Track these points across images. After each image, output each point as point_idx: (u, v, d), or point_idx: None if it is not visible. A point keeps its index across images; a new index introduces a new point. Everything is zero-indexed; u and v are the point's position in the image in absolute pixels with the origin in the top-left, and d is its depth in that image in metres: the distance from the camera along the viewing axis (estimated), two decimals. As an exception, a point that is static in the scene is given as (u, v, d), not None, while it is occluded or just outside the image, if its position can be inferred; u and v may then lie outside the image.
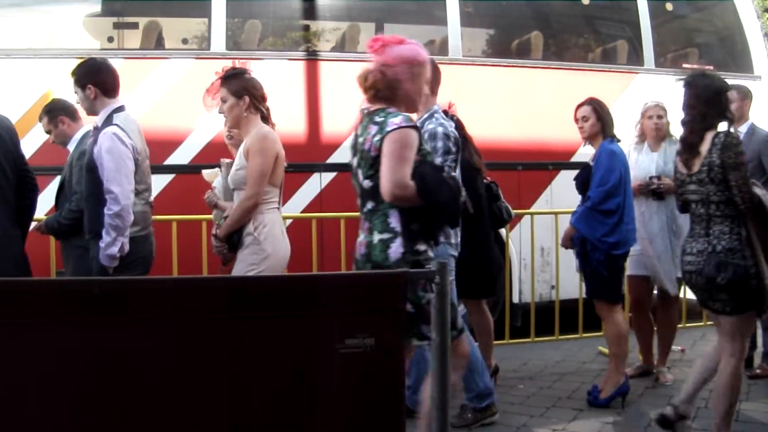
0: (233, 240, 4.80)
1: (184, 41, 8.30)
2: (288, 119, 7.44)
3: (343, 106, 7.86)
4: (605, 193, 5.87)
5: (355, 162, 4.06)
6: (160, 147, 7.20)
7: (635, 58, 9.53)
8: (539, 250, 8.22)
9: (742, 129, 6.78)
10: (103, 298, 2.50)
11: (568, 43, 9.91)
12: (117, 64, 7.03)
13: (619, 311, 6.05)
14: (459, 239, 5.28)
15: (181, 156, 7.29)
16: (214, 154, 7.04)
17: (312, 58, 7.85)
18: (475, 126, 8.15)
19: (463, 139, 5.88)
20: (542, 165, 8.57)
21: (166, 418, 2.57)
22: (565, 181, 7.99)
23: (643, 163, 6.66)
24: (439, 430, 2.86)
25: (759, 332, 6.86)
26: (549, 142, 8.50)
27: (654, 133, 6.65)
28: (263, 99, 4.88)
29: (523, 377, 6.69)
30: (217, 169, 5.65)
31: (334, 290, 2.78)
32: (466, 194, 5.58)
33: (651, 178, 6.52)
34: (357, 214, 4.11)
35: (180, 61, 7.30)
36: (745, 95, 6.91)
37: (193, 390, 2.60)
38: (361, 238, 3.99)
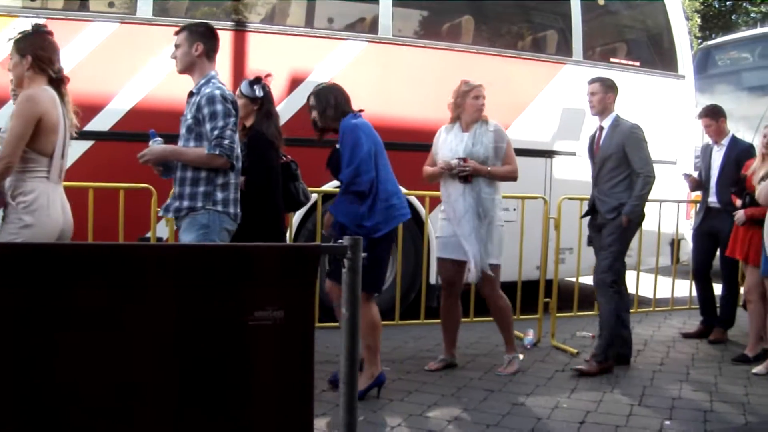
0: None
1: (110, 5, 8.13)
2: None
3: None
4: (354, 172, 5.54)
5: None
6: (80, 112, 7.07)
7: (564, 48, 9.62)
8: (458, 232, 8.25)
9: (607, 122, 6.84)
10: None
11: (499, 30, 9.96)
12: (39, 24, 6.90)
13: (374, 302, 5.79)
14: (238, 210, 5.10)
15: (102, 122, 7.14)
16: (135, 120, 6.95)
17: (240, 29, 7.76)
18: (401, 106, 8.20)
19: (266, 112, 5.86)
20: (466, 148, 8.58)
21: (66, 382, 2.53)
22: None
23: (452, 144, 6.45)
24: (346, 405, 2.85)
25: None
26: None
27: (477, 114, 6.42)
28: (50, 61, 4.63)
29: (436, 357, 6.72)
30: None
31: (243, 262, 2.75)
32: (248, 167, 5.53)
33: (459, 159, 6.29)
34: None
35: (104, 25, 7.15)
36: (609, 88, 6.89)
37: (94, 362, 2.55)
38: None
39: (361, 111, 5.83)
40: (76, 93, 6.84)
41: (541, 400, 5.78)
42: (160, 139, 5.08)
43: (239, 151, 5.08)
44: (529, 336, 7.54)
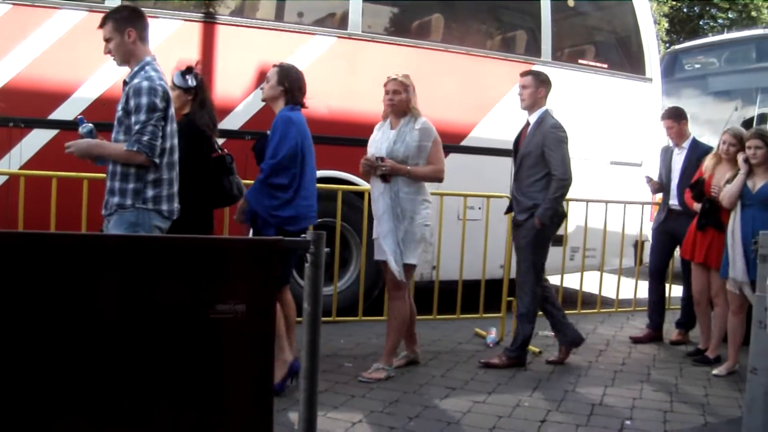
0: None
1: (78, -7, 8.08)
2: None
3: (236, 71, 7.78)
4: (276, 166, 5.53)
5: None
6: (45, 101, 7.00)
7: (533, 49, 9.65)
8: (424, 230, 8.28)
9: (533, 117, 6.75)
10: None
11: (469, 28, 9.96)
12: (4, 9, 6.83)
13: (287, 291, 5.77)
14: (174, 207, 4.95)
15: (67, 111, 7.06)
16: (101, 110, 6.88)
17: (209, 21, 7.71)
18: (369, 102, 8.17)
19: (200, 101, 5.70)
20: (432, 146, 8.59)
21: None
22: (456, 164, 8.05)
23: (379, 142, 6.31)
24: (307, 400, 2.85)
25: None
26: (440, 124, 8.52)
27: (387, 109, 6.29)
28: None
29: (398, 354, 6.72)
30: None
31: (206, 254, 2.74)
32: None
33: (377, 158, 6.13)
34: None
35: (72, 12, 7.07)
36: (542, 82, 6.77)
37: (56, 351, 2.53)
38: None
39: (304, 107, 5.79)
40: (43, 81, 6.87)
41: (502, 399, 5.79)
42: (89, 125, 4.91)
43: (168, 144, 4.88)
44: (492, 334, 7.55)
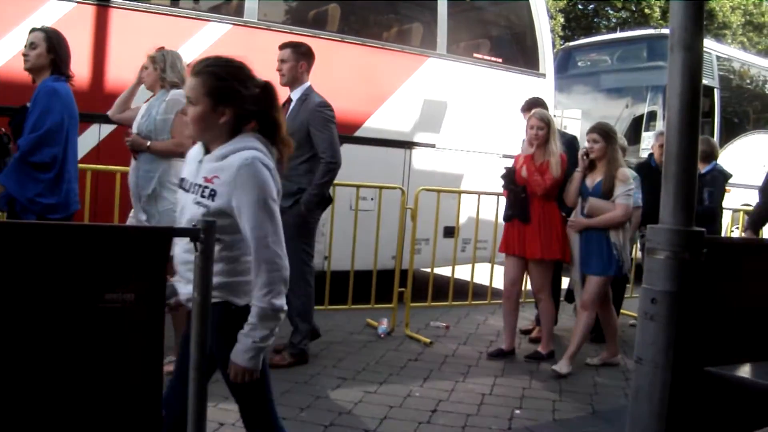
0: None
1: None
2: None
3: (130, 57, 7.64)
4: (38, 140, 4.99)
5: None
6: None
7: (429, 42, 9.72)
8: (315, 220, 8.28)
9: (296, 94, 6.36)
10: None
11: (365, 19, 9.98)
12: None
13: None
14: None
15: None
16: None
17: (102, 4, 7.53)
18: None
19: None
20: (327, 137, 8.58)
21: None
22: (349, 155, 8.04)
23: (139, 116, 5.85)
24: (196, 391, 2.82)
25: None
26: (335, 115, 8.54)
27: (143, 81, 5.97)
28: None
29: (288, 344, 6.70)
30: None
31: (93, 242, 2.68)
32: None
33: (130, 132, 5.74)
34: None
35: None
36: (302, 55, 6.36)
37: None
38: None
39: (71, 77, 5.37)
40: None
41: (393, 389, 5.85)
42: None
43: None
44: (383, 325, 7.58)
